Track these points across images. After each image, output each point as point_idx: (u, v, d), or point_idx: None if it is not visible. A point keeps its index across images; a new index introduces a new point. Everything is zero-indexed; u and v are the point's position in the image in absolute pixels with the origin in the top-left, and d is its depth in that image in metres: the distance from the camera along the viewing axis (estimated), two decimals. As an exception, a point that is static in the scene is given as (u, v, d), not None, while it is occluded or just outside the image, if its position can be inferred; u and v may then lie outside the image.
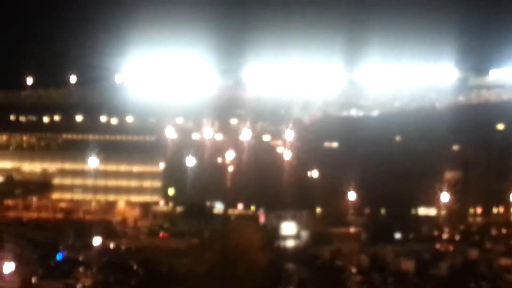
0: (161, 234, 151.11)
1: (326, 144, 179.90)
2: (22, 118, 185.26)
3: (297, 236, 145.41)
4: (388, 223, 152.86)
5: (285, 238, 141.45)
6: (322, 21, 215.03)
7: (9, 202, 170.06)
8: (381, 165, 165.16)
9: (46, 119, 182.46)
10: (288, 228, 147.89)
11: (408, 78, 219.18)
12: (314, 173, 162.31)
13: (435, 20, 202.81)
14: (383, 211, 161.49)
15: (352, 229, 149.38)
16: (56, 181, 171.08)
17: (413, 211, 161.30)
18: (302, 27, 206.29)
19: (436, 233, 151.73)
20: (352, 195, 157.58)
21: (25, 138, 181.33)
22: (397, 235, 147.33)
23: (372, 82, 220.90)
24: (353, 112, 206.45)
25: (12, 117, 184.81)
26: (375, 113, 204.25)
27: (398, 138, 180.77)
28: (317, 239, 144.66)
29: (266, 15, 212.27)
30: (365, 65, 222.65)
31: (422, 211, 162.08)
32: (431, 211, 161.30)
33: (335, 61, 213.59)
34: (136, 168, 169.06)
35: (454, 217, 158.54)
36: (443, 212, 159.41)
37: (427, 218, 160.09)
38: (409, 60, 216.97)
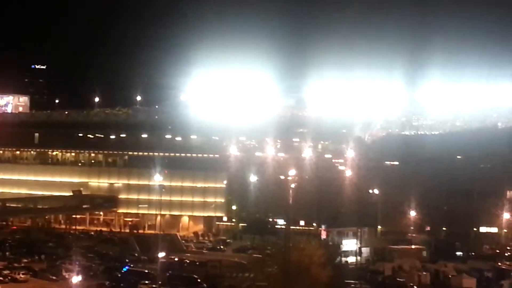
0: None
1: (387, 162, 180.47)
2: (90, 136, 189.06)
3: (358, 253, 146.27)
4: (449, 241, 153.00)
5: (347, 254, 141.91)
6: (383, 41, 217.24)
7: (77, 216, 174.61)
8: (442, 183, 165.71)
9: (112, 137, 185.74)
10: (349, 244, 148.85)
11: (470, 98, 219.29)
12: (375, 191, 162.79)
13: (497, 40, 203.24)
14: (444, 228, 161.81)
15: (413, 246, 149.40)
16: (122, 196, 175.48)
17: (474, 229, 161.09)
18: (364, 47, 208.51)
19: (498, 251, 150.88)
20: (413, 213, 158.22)
21: (92, 155, 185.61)
22: (459, 253, 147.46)
23: (433, 102, 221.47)
24: (414, 131, 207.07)
25: (80, 135, 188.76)
26: (436, 132, 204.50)
27: (459, 157, 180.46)
28: (378, 255, 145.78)
29: (328, 36, 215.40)
30: (426, 85, 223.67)
31: (484, 229, 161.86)
32: (493, 229, 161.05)
33: (397, 80, 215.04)
34: (200, 184, 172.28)
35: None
36: (505, 231, 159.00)
37: (488, 236, 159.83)
38: (471, 79, 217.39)
